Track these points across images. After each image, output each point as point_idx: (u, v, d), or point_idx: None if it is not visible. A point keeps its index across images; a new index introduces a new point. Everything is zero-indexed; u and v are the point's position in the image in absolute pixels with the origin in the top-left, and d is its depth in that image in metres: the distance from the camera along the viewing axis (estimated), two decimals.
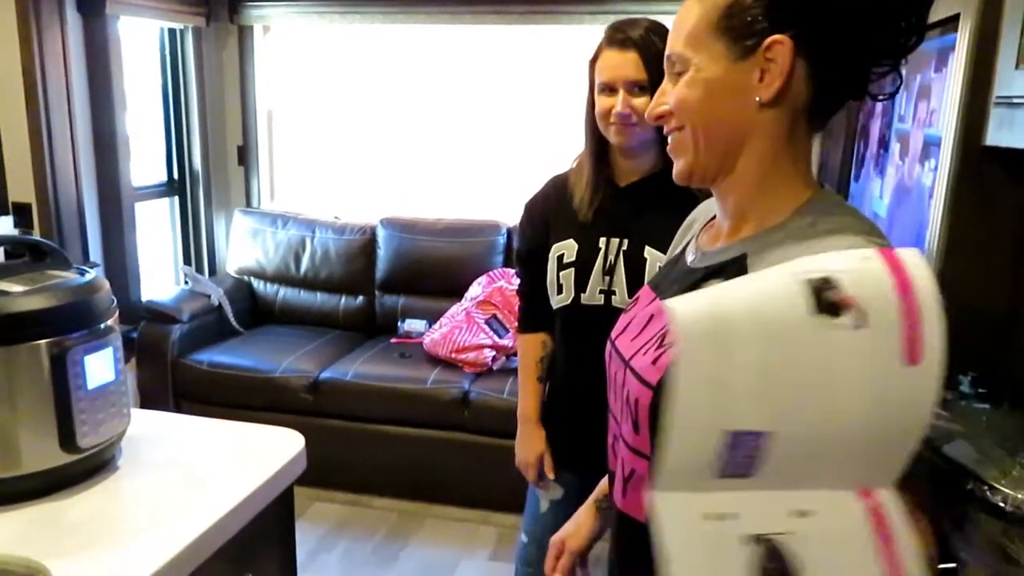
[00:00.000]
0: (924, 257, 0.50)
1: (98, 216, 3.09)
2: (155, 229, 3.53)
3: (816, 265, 0.51)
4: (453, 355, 2.99)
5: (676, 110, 0.81)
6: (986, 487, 0.85)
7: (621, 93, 1.36)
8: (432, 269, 3.38)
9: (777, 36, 0.74)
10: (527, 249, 1.57)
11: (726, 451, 0.49)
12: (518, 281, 1.68)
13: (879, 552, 0.48)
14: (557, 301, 1.49)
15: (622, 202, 1.45)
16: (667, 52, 0.82)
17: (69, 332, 1.08)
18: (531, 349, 1.61)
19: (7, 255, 1.15)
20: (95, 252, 3.07)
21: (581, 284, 1.45)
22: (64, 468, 1.09)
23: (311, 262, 3.49)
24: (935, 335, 0.49)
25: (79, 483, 1.13)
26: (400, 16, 3.37)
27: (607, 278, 1.44)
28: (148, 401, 3.08)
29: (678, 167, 0.84)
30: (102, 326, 1.13)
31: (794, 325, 0.49)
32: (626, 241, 1.43)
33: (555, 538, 0.96)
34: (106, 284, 1.18)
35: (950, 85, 1.34)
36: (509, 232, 3.34)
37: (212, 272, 3.72)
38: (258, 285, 3.60)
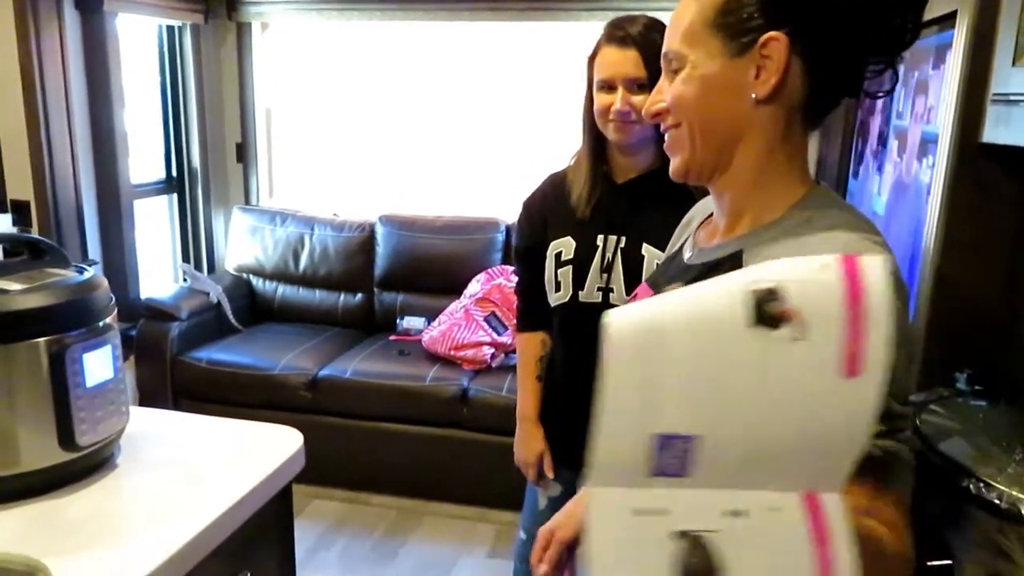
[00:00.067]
0: (888, 267, 0.50)
1: (97, 214, 3.09)
2: (154, 227, 3.53)
3: (769, 274, 0.51)
4: (452, 352, 2.99)
5: (673, 107, 0.81)
6: (981, 484, 0.85)
7: (620, 90, 1.36)
8: (431, 266, 3.38)
9: (773, 33, 0.74)
10: (525, 247, 1.58)
11: (656, 452, 0.51)
12: (516, 279, 1.68)
13: (812, 555, 0.49)
14: (555, 299, 1.49)
15: (620, 199, 1.45)
16: (664, 49, 0.82)
17: (68, 330, 1.08)
18: (530, 348, 1.61)
19: (5, 253, 1.15)
20: (94, 250, 3.07)
21: (579, 281, 1.46)
22: (63, 466, 1.10)
23: (310, 259, 3.49)
24: (879, 348, 0.49)
25: (78, 481, 1.13)
26: (398, 13, 3.36)
27: (605, 275, 1.44)
28: (147, 399, 3.08)
29: (674, 164, 0.84)
30: (100, 324, 1.13)
31: (728, 336, 0.49)
32: (624, 238, 1.43)
33: (543, 528, 0.96)
34: (104, 282, 1.19)
35: (947, 82, 1.34)
36: (508, 229, 3.34)
37: (211, 270, 3.72)
38: (257, 283, 3.60)
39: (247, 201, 3.74)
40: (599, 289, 1.44)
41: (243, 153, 3.69)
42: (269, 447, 1.26)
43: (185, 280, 3.39)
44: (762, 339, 0.49)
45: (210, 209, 3.67)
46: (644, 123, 1.33)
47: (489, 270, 3.25)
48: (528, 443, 1.59)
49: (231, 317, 3.33)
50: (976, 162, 1.25)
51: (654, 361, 0.51)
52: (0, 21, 2.66)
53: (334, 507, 2.89)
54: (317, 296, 3.53)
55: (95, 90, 3.00)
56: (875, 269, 0.50)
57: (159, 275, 3.56)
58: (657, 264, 1.14)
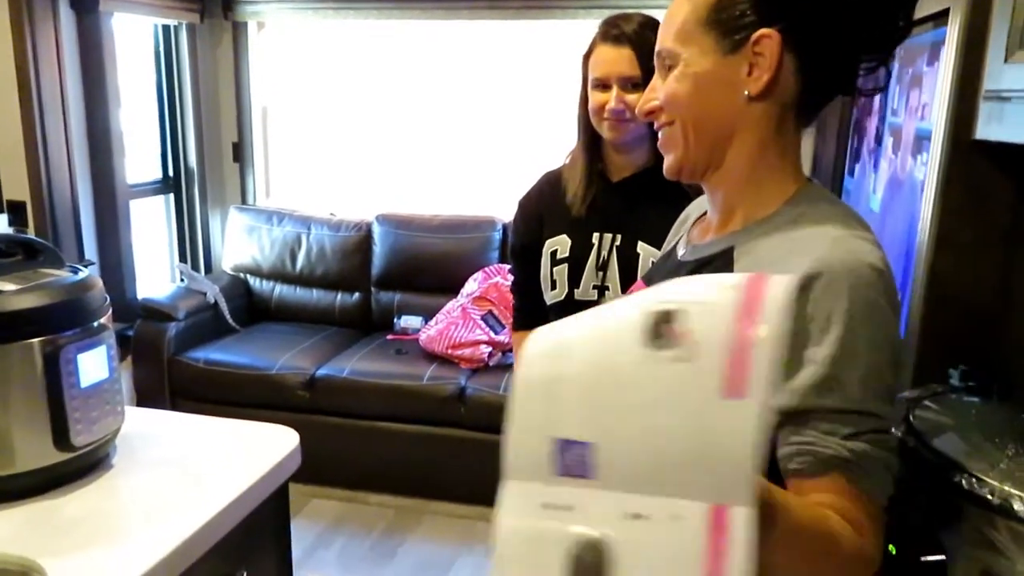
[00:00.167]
0: (791, 288, 0.53)
1: (93, 214, 3.09)
2: (150, 227, 3.52)
3: (674, 295, 0.55)
4: (449, 351, 2.99)
5: (666, 105, 0.81)
6: (974, 479, 0.86)
7: (615, 89, 1.36)
8: (428, 265, 3.38)
9: (765, 30, 0.75)
10: (521, 245, 1.58)
11: (558, 454, 0.54)
12: (512, 278, 1.68)
13: (703, 565, 0.50)
14: (551, 297, 1.49)
15: (615, 197, 1.45)
16: (657, 48, 0.82)
17: (62, 330, 1.08)
18: None
19: (0, 254, 1.15)
20: (90, 250, 3.07)
21: (575, 280, 1.46)
22: (58, 466, 1.10)
23: (307, 259, 3.49)
24: (764, 372, 0.50)
25: (74, 481, 1.13)
26: (395, 12, 3.36)
27: (600, 274, 1.44)
28: (144, 399, 3.08)
29: (668, 162, 0.84)
30: (95, 324, 1.13)
31: (623, 353, 0.53)
32: (619, 236, 1.43)
33: None
34: (99, 282, 1.19)
35: (940, 79, 1.34)
36: (505, 228, 3.34)
37: (208, 269, 3.72)
38: (254, 282, 3.60)
39: (244, 201, 3.74)
40: (595, 287, 1.45)
41: (239, 153, 3.69)
42: (265, 446, 1.26)
43: (182, 280, 3.39)
44: (651, 359, 0.52)
45: (207, 209, 3.67)
46: (638, 121, 1.34)
47: (486, 269, 3.25)
48: None
49: (228, 317, 3.33)
50: (969, 159, 1.26)
51: (558, 372, 0.56)
52: None
53: (332, 506, 2.89)
54: (314, 295, 3.53)
55: (91, 90, 2.99)
56: (776, 291, 0.52)
57: (156, 275, 3.56)
58: (652, 262, 1.14)
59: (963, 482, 0.86)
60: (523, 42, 3.43)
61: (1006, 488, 0.83)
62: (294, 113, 3.74)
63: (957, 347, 1.27)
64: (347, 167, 3.74)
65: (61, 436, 1.08)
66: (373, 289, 3.49)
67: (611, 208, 1.45)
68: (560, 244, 1.48)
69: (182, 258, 3.66)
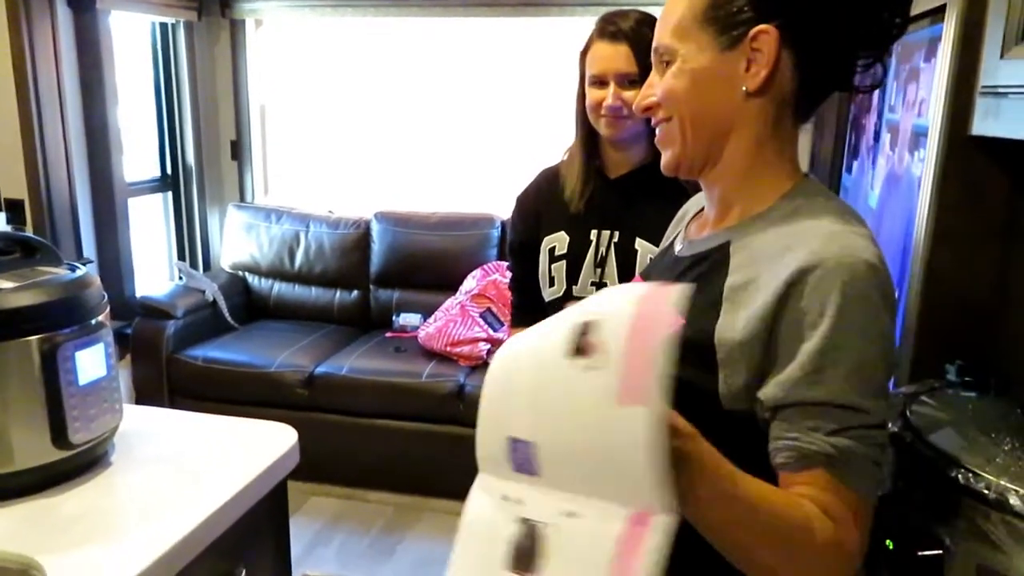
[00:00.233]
0: (680, 299, 0.57)
1: (91, 212, 3.08)
2: (149, 225, 3.52)
3: (597, 306, 0.60)
4: (448, 349, 2.99)
5: (664, 101, 0.81)
6: (970, 474, 0.86)
7: (612, 86, 1.36)
8: (426, 263, 3.38)
9: (763, 26, 0.75)
10: (519, 242, 1.58)
11: (510, 452, 0.61)
12: (510, 275, 1.68)
13: (612, 567, 0.55)
14: (549, 294, 1.49)
15: (612, 194, 1.45)
16: (654, 44, 0.82)
17: (60, 328, 1.08)
18: None
19: None
20: (88, 248, 3.06)
21: (573, 276, 1.46)
22: (56, 464, 1.10)
23: (305, 257, 3.49)
24: (654, 381, 0.54)
25: (72, 479, 1.13)
26: (392, 9, 3.36)
27: (598, 270, 1.44)
28: (143, 397, 3.08)
29: (666, 158, 0.84)
30: (93, 322, 1.13)
31: (552, 363, 0.59)
32: (617, 233, 1.43)
33: None
34: (96, 280, 1.19)
35: (937, 74, 1.34)
36: (503, 225, 3.34)
37: (206, 267, 3.72)
38: (252, 280, 3.60)
39: (242, 198, 3.74)
40: (593, 284, 1.45)
41: (238, 150, 3.69)
42: (263, 444, 1.26)
43: (180, 278, 3.39)
44: (570, 367, 0.58)
45: (205, 207, 3.67)
46: (636, 118, 1.33)
47: (485, 266, 3.25)
48: None
49: (227, 315, 3.33)
50: (965, 155, 1.26)
51: (511, 377, 0.63)
52: None
53: (331, 504, 2.89)
54: (313, 293, 3.53)
55: (88, 88, 2.99)
56: (665, 302, 0.57)
57: (154, 273, 3.56)
58: (650, 258, 1.14)
59: (959, 477, 0.87)
60: (521, 39, 3.43)
61: (1002, 483, 0.83)
62: (292, 111, 3.73)
63: (954, 342, 1.27)
64: (345, 165, 3.73)
65: (59, 434, 1.08)
66: (372, 287, 3.49)
67: (609, 205, 1.45)
68: (558, 241, 1.48)
69: (180, 256, 3.66)
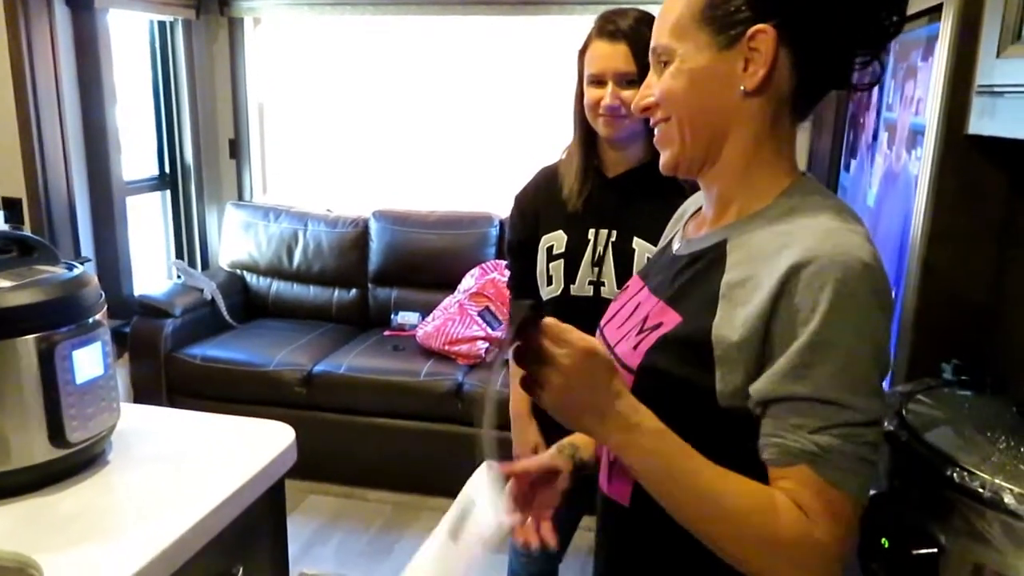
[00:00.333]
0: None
1: (89, 211, 3.08)
2: (147, 223, 3.52)
3: (476, 496, 0.89)
4: (446, 347, 2.99)
5: (662, 101, 0.81)
6: (965, 472, 0.86)
7: (610, 85, 1.36)
8: (425, 261, 3.38)
9: (761, 26, 0.75)
10: (517, 241, 1.58)
11: None
12: (509, 273, 1.68)
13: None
14: (547, 292, 1.50)
15: (611, 193, 1.45)
16: (652, 44, 0.83)
17: (57, 327, 1.08)
18: None
19: None
20: (86, 247, 3.06)
21: (571, 275, 1.46)
22: (54, 463, 1.10)
23: (304, 255, 3.49)
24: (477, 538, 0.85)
25: (69, 478, 1.13)
26: (391, 8, 3.36)
27: (596, 269, 1.44)
28: (141, 396, 3.08)
29: (664, 158, 0.85)
30: (90, 320, 1.13)
31: (442, 538, 0.87)
32: (615, 232, 1.44)
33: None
34: (94, 279, 1.19)
35: (934, 73, 1.35)
36: (501, 224, 3.34)
37: (204, 266, 3.72)
38: (251, 279, 3.60)
39: (240, 197, 3.73)
40: (590, 283, 1.45)
41: (236, 149, 3.68)
42: (261, 442, 1.26)
43: (179, 277, 3.39)
44: (446, 541, 0.86)
45: (203, 205, 3.67)
46: (634, 117, 1.33)
47: (483, 265, 3.25)
48: (523, 438, 1.59)
49: (225, 313, 3.33)
50: (962, 154, 1.26)
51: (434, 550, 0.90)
52: None
53: (330, 502, 2.89)
54: (311, 292, 3.53)
55: (86, 87, 2.98)
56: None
57: (152, 272, 3.55)
58: (648, 257, 1.15)
59: (955, 476, 0.87)
60: (519, 38, 3.42)
61: (998, 481, 0.84)
62: (290, 109, 3.73)
63: (950, 341, 1.27)
64: (344, 163, 3.73)
65: (56, 432, 1.08)
66: (370, 285, 3.49)
67: (607, 204, 1.45)
68: (556, 240, 1.48)
69: (179, 255, 3.66)
